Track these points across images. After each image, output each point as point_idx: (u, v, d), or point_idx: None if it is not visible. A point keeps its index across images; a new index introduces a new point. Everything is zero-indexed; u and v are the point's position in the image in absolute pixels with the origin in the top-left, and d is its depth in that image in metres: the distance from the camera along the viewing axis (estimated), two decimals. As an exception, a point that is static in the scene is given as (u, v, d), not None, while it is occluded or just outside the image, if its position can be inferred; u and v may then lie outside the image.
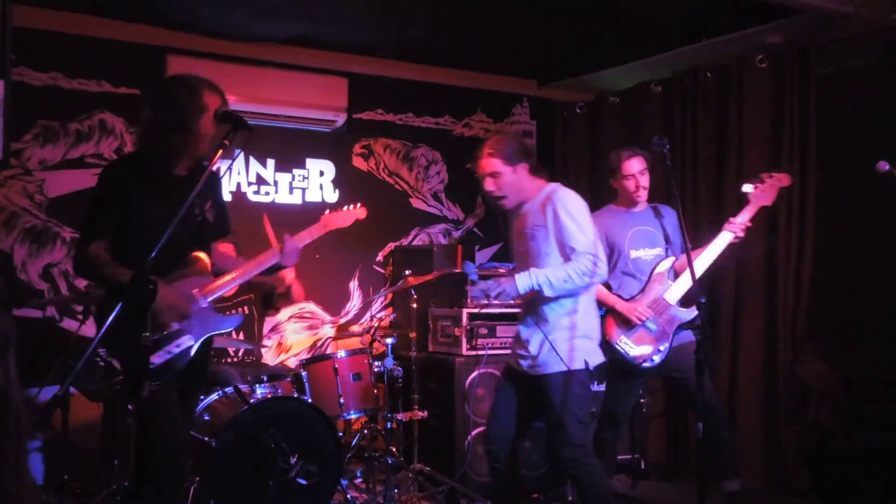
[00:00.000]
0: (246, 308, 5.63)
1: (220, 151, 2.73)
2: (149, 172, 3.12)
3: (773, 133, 5.63)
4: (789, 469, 5.42)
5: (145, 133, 3.18)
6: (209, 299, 3.14)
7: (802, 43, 5.49)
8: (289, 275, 5.37)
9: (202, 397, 4.45)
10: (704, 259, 4.48)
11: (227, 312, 5.40)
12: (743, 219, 4.47)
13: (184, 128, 3.05)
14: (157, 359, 2.96)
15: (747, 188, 4.55)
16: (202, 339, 3.13)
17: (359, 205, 3.83)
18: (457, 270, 5.55)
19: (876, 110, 4.88)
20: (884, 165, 3.90)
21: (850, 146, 5.56)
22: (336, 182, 6.49)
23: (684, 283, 4.45)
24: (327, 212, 3.76)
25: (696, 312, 4.00)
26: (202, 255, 3.24)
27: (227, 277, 3.24)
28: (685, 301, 4.46)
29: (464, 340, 5.29)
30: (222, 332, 3.21)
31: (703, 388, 3.13)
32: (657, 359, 4.44)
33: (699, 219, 5.97)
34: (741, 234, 4.50)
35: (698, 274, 4.37)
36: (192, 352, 3.10)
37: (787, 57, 5.54)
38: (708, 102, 6.02)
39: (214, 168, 3.09)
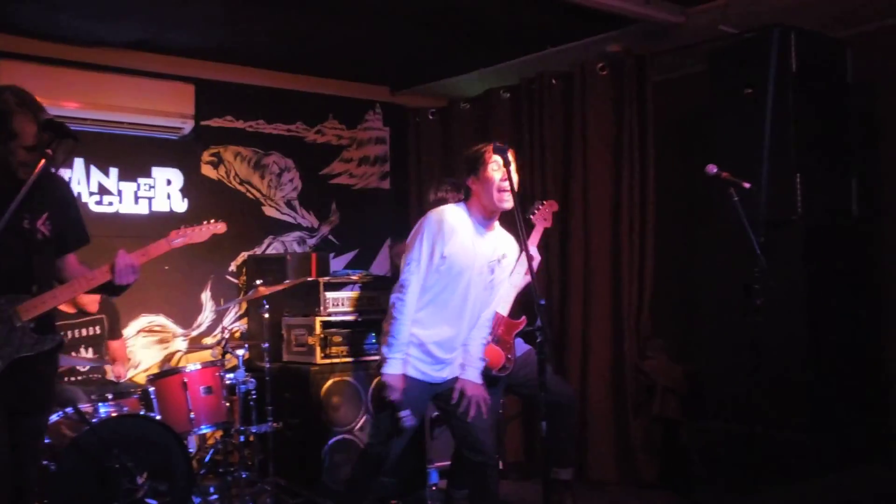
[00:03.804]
0: (98, 328, 5.43)
1: (43, 161, 2.59)
2: None
3: (614, 137, 5.85)
4: (638, 461, 5.63)
5: None
6: (25, 318, 2.97)
7: (639, 51, 5.73)
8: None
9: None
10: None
11: (70, 333, 5.23)
12: (534, 244, 4.65)
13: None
14: None
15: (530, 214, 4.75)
16: (13, 362, 2.94)
17: (216, 220, 3.55)
18: (310, 279, 5.50)
19: (706, 115, 5.14)
20: (712, 168, 4.09)
21: (685, 149, 5.85)
22: (184, 191, 6.30)
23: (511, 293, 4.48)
24: (181, 229, 3.46)
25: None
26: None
27: (49, 295, 3.05)
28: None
29: (318, 349, 5.23)
30: (31, 354, 3.00)
31: (546, 388, 3.20)
32: (510, 365, 4.51)
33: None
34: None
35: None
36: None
37: (625, 65, 5.77)
38: (554, 109, 6.20)
39: (64, 176, 2.94)
